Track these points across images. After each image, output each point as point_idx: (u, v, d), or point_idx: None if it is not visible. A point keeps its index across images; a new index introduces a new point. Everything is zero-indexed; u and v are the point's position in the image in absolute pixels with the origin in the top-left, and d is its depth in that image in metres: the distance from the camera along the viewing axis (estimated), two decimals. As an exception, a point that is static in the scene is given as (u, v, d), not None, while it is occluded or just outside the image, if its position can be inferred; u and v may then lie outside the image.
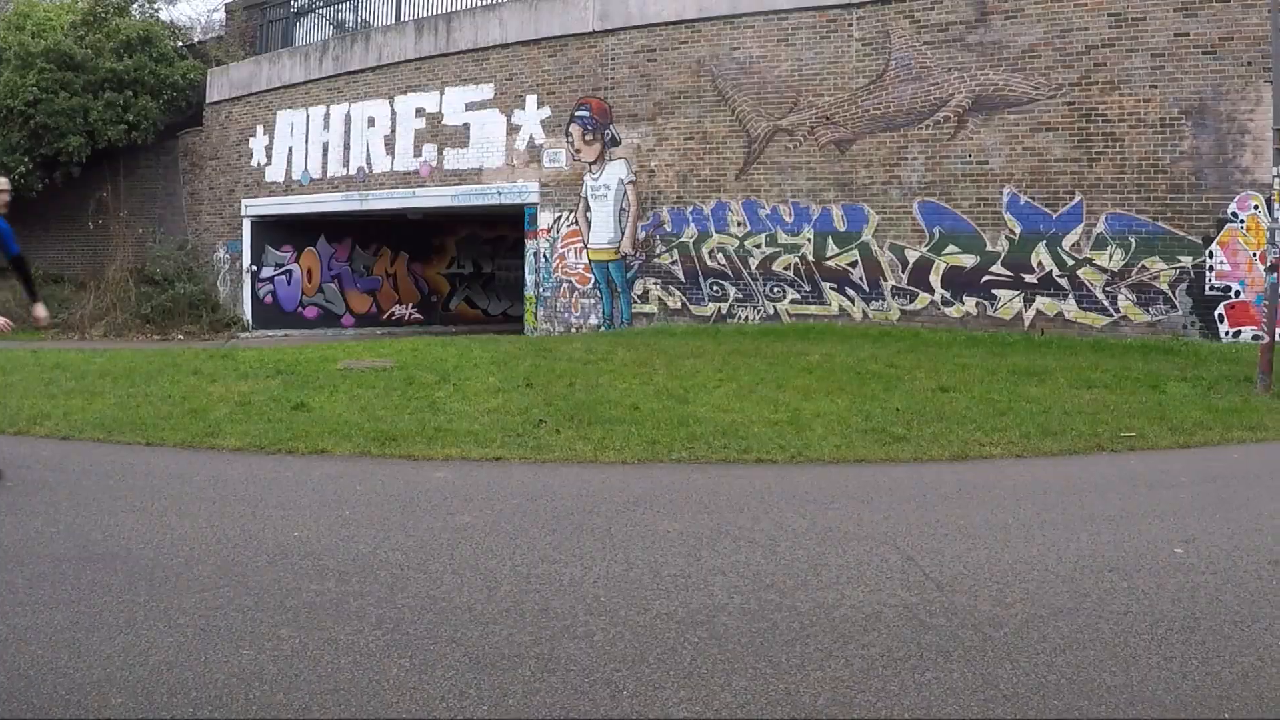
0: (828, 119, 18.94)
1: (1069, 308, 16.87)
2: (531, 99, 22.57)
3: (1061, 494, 7.79)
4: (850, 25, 18.72)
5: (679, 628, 5.00)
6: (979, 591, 5.48)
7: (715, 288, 20.03)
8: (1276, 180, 12.76)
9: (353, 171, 25.78)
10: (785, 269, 19.33)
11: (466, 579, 5.76)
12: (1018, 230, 17.22)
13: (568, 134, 22.04)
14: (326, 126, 26.49)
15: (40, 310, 8.92)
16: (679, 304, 20.41)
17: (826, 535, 6.59)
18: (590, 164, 21.71)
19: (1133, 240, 16.37)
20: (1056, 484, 8.15)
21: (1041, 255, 17.05)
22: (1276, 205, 12.87)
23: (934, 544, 6.36)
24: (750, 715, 4.11)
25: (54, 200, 28.44)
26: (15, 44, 26.75)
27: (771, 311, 19.43)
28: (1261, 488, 7.96)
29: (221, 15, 35.65)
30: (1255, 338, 14.94)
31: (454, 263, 32.00)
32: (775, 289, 19.43)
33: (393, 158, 24.98)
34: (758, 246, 19.59)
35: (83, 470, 8.59)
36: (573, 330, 21.71)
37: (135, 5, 30.96)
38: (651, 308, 20.66)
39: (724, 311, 19.93)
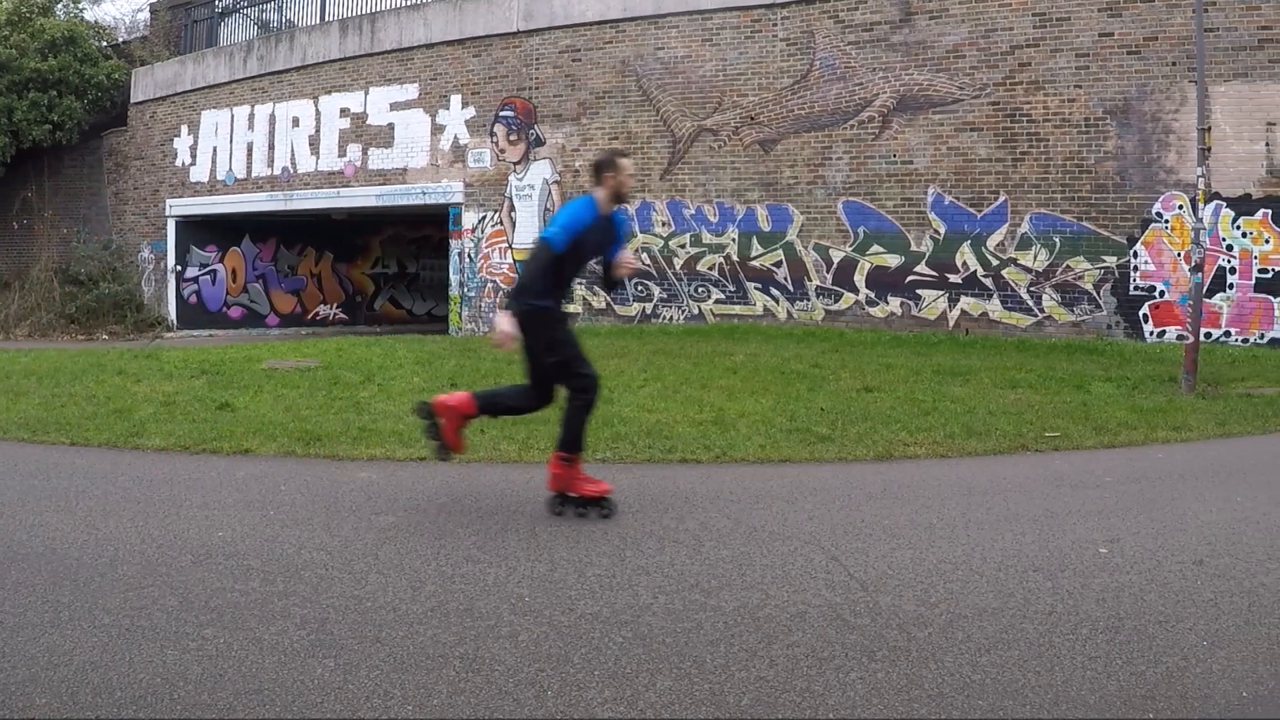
0: (752, 119, 19.02)
1: (993, 308, 17.04)
2: (456, 99, 22.49)
3: (986, 494, 7.83)
4: (775, 25, 18.81)
5: (604, 628, 4.99)
6: (903, 591, 5.50)
7: (640, 288, 20.03)
8: (1201, 180, 12.89)
9: (277, 171, 25.56)
10: (710, 269, 19.38)
11: (391, 579, 5.71)
12: (942, 230, 17.38)
13: (492, 134, 21.98)
14: (251, 126, 26.26)
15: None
16: (603, 304, 20.39)
17: (751, 535, 6.60)
18: (515, 164, 21.66)
19: (1057, 240, 16.57)
20: (981, 484, 8.19)
21: (966, 255, 17.21)
22: (1201, 205, 13.03)
23: (859, 544, 6.39)
24: (675, 715, 4.11)
25: (-22, 200, 28.20)
26: (-61, 45, 26.39)
27: (696, 311, 19.48)
28: (1186, 487, 8.03)
29: (146, 15, 35.33)
30: (1180, 338, 15.16)
31: (379, 263, 31.89)
32: (700, 289, 19.47)
33: (317, 158, 24.81)
34: (682, 246, 19.63)
35: (7, 470, 8.45)
36: (498, 330, 21.59)
37: (60, 5, 30.62)
38: (575, 308, 20.60)
39: (648, 311, 19.95)
